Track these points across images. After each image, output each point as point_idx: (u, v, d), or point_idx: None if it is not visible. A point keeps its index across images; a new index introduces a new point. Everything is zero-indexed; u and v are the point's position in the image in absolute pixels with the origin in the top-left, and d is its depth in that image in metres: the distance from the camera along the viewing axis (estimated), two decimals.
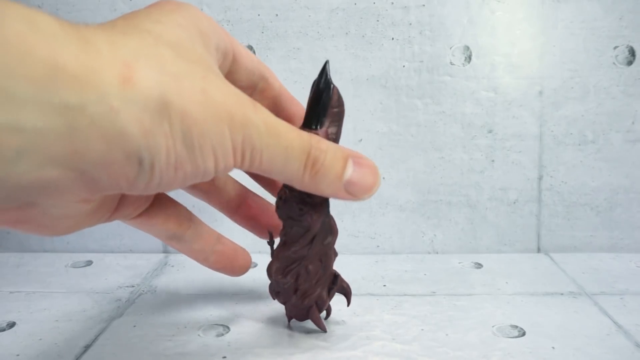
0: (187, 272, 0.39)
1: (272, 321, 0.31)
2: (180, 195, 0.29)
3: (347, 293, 0.31)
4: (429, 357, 0.27)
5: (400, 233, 0.43)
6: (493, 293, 0.35)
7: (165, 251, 0.43)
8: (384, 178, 0.43)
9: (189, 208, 0.29)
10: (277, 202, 0.27)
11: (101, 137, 0.16)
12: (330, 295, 0.29)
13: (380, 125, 0.42)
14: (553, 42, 0.41)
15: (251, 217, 0.30)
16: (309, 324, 0.30)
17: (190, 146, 0.19)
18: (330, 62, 0.42)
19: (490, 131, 0.42)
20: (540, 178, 0.42)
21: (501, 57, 0.41)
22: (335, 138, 0.26)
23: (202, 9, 0.42)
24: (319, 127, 0.26)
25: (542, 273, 0.38)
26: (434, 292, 0.35)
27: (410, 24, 0.41)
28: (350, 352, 0.28)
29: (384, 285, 0.36)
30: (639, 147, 0.41)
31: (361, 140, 0.42)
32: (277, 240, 0.29)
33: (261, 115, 0.21)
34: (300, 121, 0.27)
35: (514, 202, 0.42)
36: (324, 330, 0.30)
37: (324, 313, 0.31)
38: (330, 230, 0.28)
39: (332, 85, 0.26)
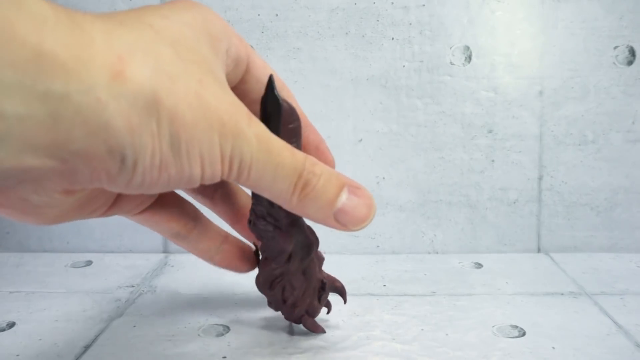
0: (187, 272, 0.39)
1: (272, 321, 0.31)
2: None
3: (341, 292, 0.31)
4: (429, 357, 0.27)
5: (400, 233, 0.43)
6: (493, 293, 0.35)
7: (165, 251, 0.43)
8: (383, 178, 0.43)
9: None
10: (248, 224, 0.27)
11: (85, 128, 0.16)
12: (321, 302, 0.29)
13: (380, 125, 0.42)
14: (553, 42, 0.41)
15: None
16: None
17: (177, 149, 0.18)
18: (330, 62, 0.42)
19: (490, 131, 0.42)
20: (540, 178, 0.42)
21: (501, 57, 0.41)
22: None
23: None
24: None
25: (542, 273, 0.38)
26: (434, 292, 0.35)
27: (410, 24, 0.41)
28: (350, 352, 0.28)
29: (384, 285, 0.36)
30: (639, 147, 0.41)
31: (361, 140, 0.42)
32: None
33: (255, 129, 0.20)
34: (315, 147, 0.26)
35: (514, 202, 0.42)
36: (322, 332, 0.30)
37: (322, 313, 0.30)
38: (307, 246, 0.27)
39: (280, 103, 0.23)
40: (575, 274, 0.38)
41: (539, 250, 0.43)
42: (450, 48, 0.41)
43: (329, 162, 0.28)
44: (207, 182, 0.20)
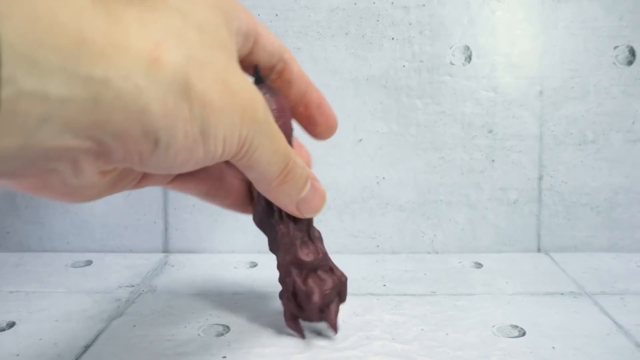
0: (187, 272, 0.39)
1: (272, 321, 0.31)
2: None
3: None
4: (429, 357, 0.27)
5: (400, 233, 0.43)
6: (493, 293, 0.35)
7: (165, 251, 0.43)
8: (383, 178, 0.43)
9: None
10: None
11: (123, 112, 0.17)
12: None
13: (380, 125, 0.42)
14: (553, 42, 0.41)
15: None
16: (308, 324, 0.30)
17: (206, 133, 0.19)
18: (330, 62, 0.42)
19: (490, 131, 0.42)
20: (540, 178, 0.42)
21: (501, 57, 0.41)
22: None
23: None
24: None
25: (542, 273, 0.38)
26: (434, 292, 0.35)
27: (410, 24, 0.41)
28: (350, 352, 0.28)
29: (384, 285, 0.36)
30: (639, 147, 0.41)
31: (361, 140, 0.42)
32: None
33: (266, 116, 0.22)
34: (317, 105, 0.27)
35: (514, 202, 0.42)
36: (335, 331, 0.29)
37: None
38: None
39: (264, 95, 0.24)
40: (575, 274, 0.38)
41: (539, 250, 0.43)
42: (450, 48, 0.41)
43: (331, 118, 0.29)
44: (220, 160, 0.21)
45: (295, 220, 0.28)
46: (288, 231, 0.28)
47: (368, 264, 0.41)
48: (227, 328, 0.31)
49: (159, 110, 0.17)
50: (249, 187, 0.29)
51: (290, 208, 0.26)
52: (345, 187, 0.43)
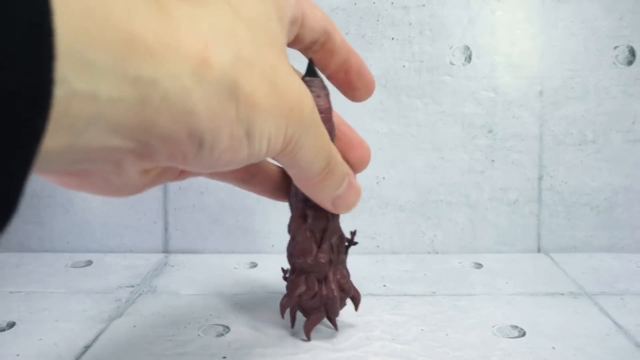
0: (187, 272, 0.39)
1: (272, 321, 0.31)
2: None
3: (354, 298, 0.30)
4: (429, 357, 0.27)
5: (400, 233, 0.43)
6: (493, 293, 0.35)
7: (165, 251, 0.43)
8: (383, 178, 0.43)
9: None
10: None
11: (169, 113, 0.16)
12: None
13: (380, 125, 0.42)
14: (553, 42, 0.41)
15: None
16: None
17: (251, 134, 0.19)
18: None
19: (490, 131, 0.42)
20: (540, 178, 0.42)
21: (501, 57, 0.41)
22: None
23: None
24: None
25: (542, 273, 0.38)
26: (434, 292, 0.35)
27: (410, 24, 0.41)
28: (350, 352, 0.28)
29: (384, 285, 0.36)
30: (639, 147, 0.41)
31: None
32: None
33: (312, 114, 0.22)
34: (357, 73, 0.27)
35: (514, 202, 0.42)
36: (336, 328, 0.30)
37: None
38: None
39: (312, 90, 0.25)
40: (575, 274, 0.38)
41: (539, 250, 0.43)
42: (450, 48, 0.41)
43: (370, 83, 0.29)
44: (263, 159, 0.21)
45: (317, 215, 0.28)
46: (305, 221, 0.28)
47: (368, 264, 0.41)
48: (227, 328, 0.31)
49: (205, 111, 0.17)
50: (284, 174, 0.29)
51: (326, 204, 0.26)
52: None
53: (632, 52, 0.41)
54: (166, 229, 0.43)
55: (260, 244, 0.42)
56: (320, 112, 0.25)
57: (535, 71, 0.41)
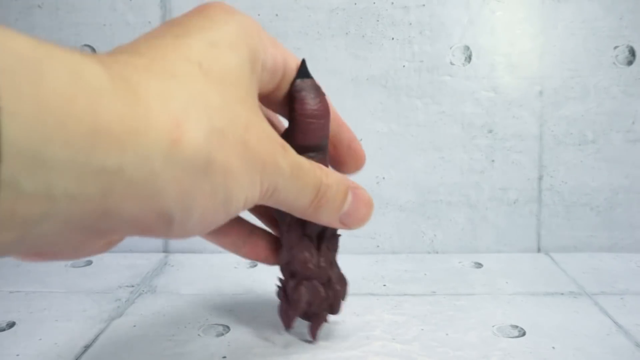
0: (187, 272, 0.39)
1: (272, 321, 0.31)
2: None
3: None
4: (429, 357, 0.27)
5: (400, 233, 0.43)
6: (493, 293, 0.35)
7: (166, 251, 0.43)
8: (383, 178, 0.43)
9: None
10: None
11: (135, 199, 0.16)
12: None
13: (380, 125, 0.42)
14: (553, 42, 0.41)
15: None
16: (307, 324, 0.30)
17: (229, 200, 0.19)
18: (330, 62, 0.42)
19: (490, 131, 0.42)
20: (540, 178, 0.42)
21: (501, 57, 0.41)
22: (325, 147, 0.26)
23: None
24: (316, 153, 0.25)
25: (542, 273, 0.38)
26: (434, 292, 0.35)
27: (410, 24, 0.41)
28: (350, 352, 0.28)
29: (384, 285, 0.36)
30: (639, 147, 0.41)
31: (361, 140, 0.42)
32: None
33: (289, 159, 0.21)
34: (347, 145, 0.27)
35: (514, 202, 0.42)
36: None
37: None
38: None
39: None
40: (575, 274, 0.38)
41: (539, 250, 0.43)
42: (450, 48, 0.41)
43: (360, 159, 0.29)
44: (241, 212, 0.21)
45: (304, 225, 0.27)
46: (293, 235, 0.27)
47: (368, 264, 0.41)
48: (227, 328, 0.31)
49: (174, 191, 0.17)
50: (276, 242, 0.28)
51: (335, 225, 0.25)
52: None
53: (632, 52, 0.41)
54: None
55: None
56: (311, 117, 0.24)
57: (535, 71, 0.41)
